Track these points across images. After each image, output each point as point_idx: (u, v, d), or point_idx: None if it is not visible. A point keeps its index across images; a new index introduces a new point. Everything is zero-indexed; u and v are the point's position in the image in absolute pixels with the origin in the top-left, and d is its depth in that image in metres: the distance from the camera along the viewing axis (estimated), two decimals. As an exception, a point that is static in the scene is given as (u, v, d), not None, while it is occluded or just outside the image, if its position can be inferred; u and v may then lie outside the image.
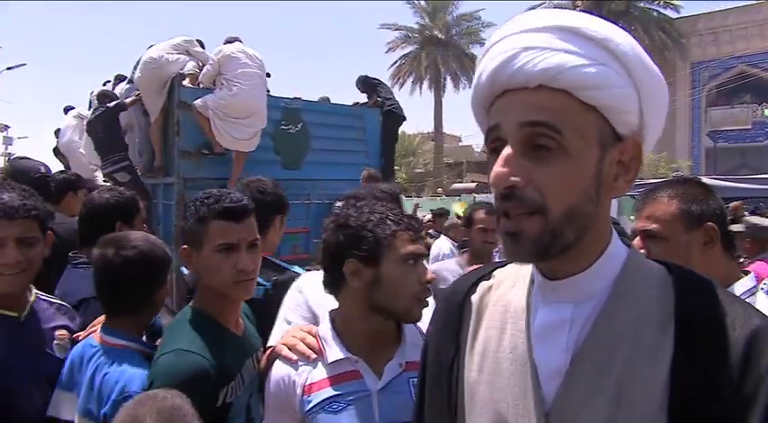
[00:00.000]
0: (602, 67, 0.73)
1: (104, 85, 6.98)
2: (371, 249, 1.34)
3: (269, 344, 1.66)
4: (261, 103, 5.39)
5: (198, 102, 5.20)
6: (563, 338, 0.79)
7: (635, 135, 0.78)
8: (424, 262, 1.44)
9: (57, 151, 8.63)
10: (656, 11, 27.13)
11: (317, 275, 1.60)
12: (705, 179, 9.41)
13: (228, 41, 5.56)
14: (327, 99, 6.85)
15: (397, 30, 32.28)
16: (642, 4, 27.14)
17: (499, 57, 0.76)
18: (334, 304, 1.48)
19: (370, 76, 7.63)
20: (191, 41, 5.81)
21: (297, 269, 2.27)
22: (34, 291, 1.76)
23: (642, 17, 26.54)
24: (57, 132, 8.42)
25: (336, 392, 1.32)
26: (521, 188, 0.73)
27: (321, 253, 1.42)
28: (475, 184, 19.52)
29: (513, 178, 0.73)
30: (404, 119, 6.98)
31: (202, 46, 5.94)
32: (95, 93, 6.14)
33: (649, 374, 0.73)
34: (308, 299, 1.72)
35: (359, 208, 1.41)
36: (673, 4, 27.00)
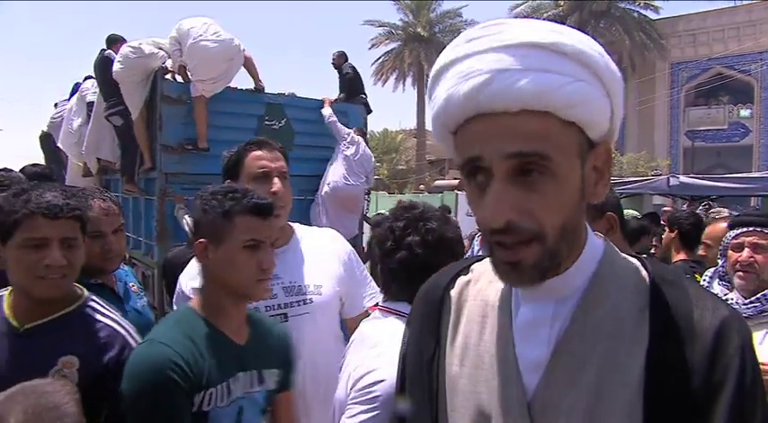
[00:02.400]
0: (581, 83, 0.71)
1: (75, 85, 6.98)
2: None
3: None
4: (228, 53, 5.30)
5: (192, 92, 5.20)
6: (544, 334, 0.81)
7: (606, 139, 0.78)
8: None
9: (42, 139, 8.69)
10: (637, 11, 27.45)
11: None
12: (683, 178, 9.59)
13: None
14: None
15: (380, 26, 32.23)
16: (623, 5, 27.42)
17: (471, 80, 0.71)
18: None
19: (348, 56, 7.65)
20: (169, 43, 5.71)
21: None
22: (83, 299, 1.56)
23: (623, 18, 26.82)
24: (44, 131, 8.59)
25: None
26: (516, 221, 0.72)
27: (417, 269, 1.36)
28: (457, 181, 19.53)
29: (508, 215, 0.71)
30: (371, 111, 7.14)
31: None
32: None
33: (627, 365, 0.75)
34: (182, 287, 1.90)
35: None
36: (653, 6, 27.34)
